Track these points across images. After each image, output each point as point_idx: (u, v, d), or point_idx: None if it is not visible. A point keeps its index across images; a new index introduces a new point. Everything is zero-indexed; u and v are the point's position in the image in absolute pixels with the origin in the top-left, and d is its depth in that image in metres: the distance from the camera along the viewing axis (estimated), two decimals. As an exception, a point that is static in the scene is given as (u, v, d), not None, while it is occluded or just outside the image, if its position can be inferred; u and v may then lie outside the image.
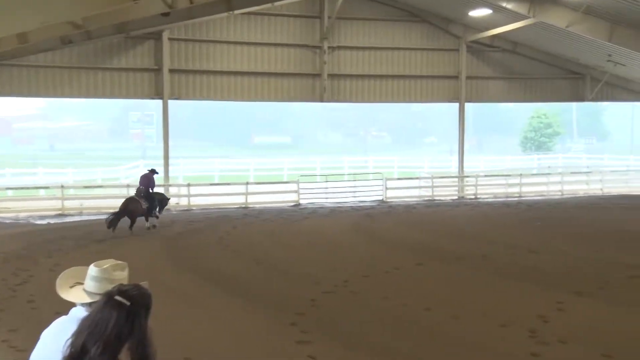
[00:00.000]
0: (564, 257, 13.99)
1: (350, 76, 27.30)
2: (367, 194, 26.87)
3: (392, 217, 21.36)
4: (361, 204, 25.15)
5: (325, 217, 21.61)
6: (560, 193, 28.66)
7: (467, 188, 28.78)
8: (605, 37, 23.33)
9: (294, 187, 25.75)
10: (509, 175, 30.08)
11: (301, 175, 27.76)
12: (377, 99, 28.43)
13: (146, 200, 18.06)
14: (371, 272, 12.50)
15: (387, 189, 26.78)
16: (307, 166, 42.32)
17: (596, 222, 19.62)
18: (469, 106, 34.23)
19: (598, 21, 22.99)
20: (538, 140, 66.77)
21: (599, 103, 62.63)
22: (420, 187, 29.01)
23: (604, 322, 9.03)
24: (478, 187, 28.40)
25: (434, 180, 28.93)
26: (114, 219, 17.12)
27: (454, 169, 36.04)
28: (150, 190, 18.50)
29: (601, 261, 13.42)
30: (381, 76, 27.67)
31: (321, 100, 27.46)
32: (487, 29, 26.76)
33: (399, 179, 31.58)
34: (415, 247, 15.65)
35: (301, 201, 25.49)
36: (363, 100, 28.71)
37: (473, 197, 27.70)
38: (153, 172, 19.02)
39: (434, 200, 26.86)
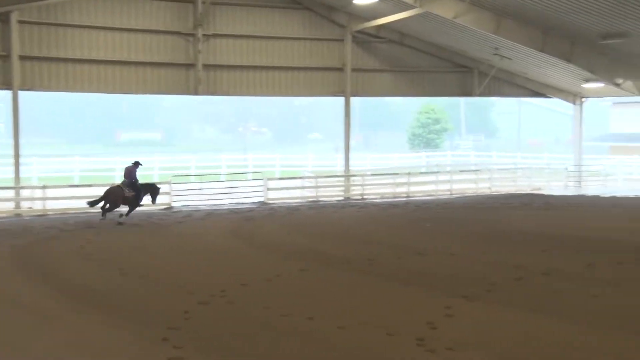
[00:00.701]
0: (452, 259, 14.53)
1: (228, 67, 27.15)
2: (247, 195, 26.83)
3: (274, 220, 21.41)
4: (240, 206, 25.06)
5: (200, 221, 21.36)
6: (449, 192, 29.79)
7: (353, 188, 29.34)
8: (491, 30, 24.50)
9: (165, 188, 25.28)
10: (396, 174, 30.93)
11: (174, 175, 27.30)
12: (257, 92, 28.43)
13: (131, 189, 20.62)
14: (251, 280, 12.46)
15: (268, 189, 26.83)
16: (180, 165, 41.72)
17: (484, 223, 20.51)
18: (355, 100, 34.96)
19: (484, 13, 24.10)
20: (426, 137, 69.04)
21: (487, 98, 65.84)
22: (303, 188, 29.26)
23: (493, 326, 9.44)
24: (365, 187, 29.03)
25: (319, 180, 29.28)
26: (94, 201, 20.14)
27: (339, 168, 36.69)
28: (134, 181, 20.72)
29: (489, 263, 14.04)
30: (261, 67, 27.70)
31: (195, 93, 27.13)
32: (373, 18, 27.41)
33: (281, 178, 31.75)
34: (299, 251, 15.75)
35: (174, 204, 25.08)
36: (241, 94, 28.61)
37: (360, 197, 28.27)
38: (136, 164, 21.04)
39: (319, 201, 27.17)
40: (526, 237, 17.44)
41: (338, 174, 32.92)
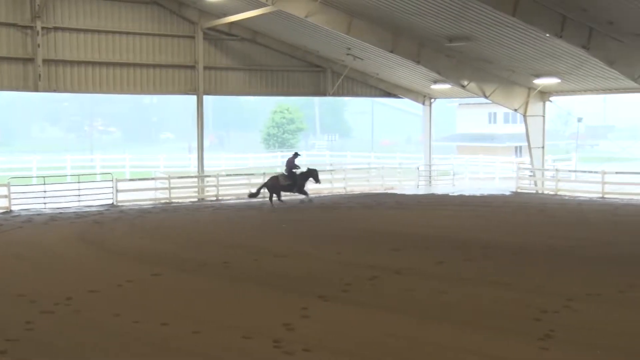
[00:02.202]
0: (308, 260, 14.76)
1: (71, 62, 26.15)
2: (95, 197, 25.93)
3: (124, 224, 20.85)
4: (88, 209, 24.20)
5: (43, 226, 20.43)
6: (304, 192, 30.16)
7: (207, 189, 29.08)
8: (343, 30, 25.08)
9: (3, 191, 23.96)
10: (252, 175, 30.95)
11: (12, 178, 25.95)
12: (103, 90, 27.58)
13: (288, 179, 24.92)
14: (100, 287, 12.08)
15: (117, 191, 26.08)
16: (20, 166, 39.80)
17: (339, 223, 21.00)
18: (208, 99, 34.68)
19: (336, 13, 24.63)
20: (281, 136, 69.64)
21: (341, 98, 67.31)
22: (156, 189, 28.69)
23: (349, 327, 9.68)
24: (220, 188, 28.85)
25: (171, 180, 28.79)
26: (255, 193, 25.26)
27: (193, 168, 36.26)
28: (293, 170, 24.98)
29: (344, 263, 14.38)
30: (107, 63, 26.89)
31: (35, 89, 25.87)
32: (225, 15, 27.30)
33: (131, 179, 30.92)
34: (151, 256, 15.45)
35: (13, 207, 23.85)
36: (86, 91, 27.60)
37: (214, 198, 28.07)
38: (295, 155, 25.83)
39: (172, 203, 26.74)
40: (379, 236, 17.99)
41: (191, 174, 32.52)
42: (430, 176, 34.76)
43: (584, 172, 32.87)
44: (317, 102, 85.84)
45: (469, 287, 11.93)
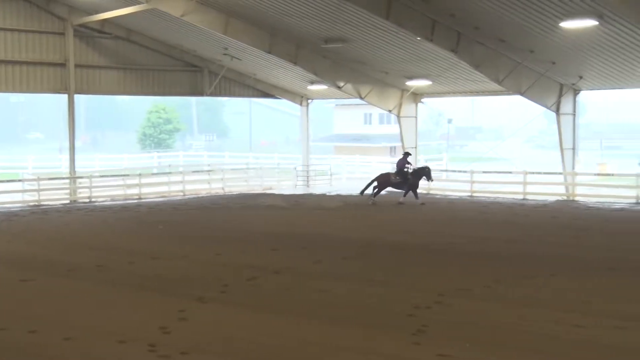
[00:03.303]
0: (185, 261, 14.54)
1: None
2: (-44, 201, 24.54)
3: (-11, 228, 19.85)
4: (-52, 214, 22.85)
5: None
6: (182, 193, 29.75)
7: (80, 191, 28.13)
8: (220, 30, 24.89)
9: None
10: (127, 176, 30.20)
11: None
12: (-35, 87, 26.12)
13: (399, 176, 25.17)
14: (-38, 296, 11.43)
15: (-18, 194, 24.79)
16: None
17: (217, 223, 20.83)
18: (80, 98, 33.49)
19: (213, 12, 24.40)
20: (157, 137, 68.33)
21: (219, 98, 66.79)
22: (24, 191, 27.50)
23: (227, 328, 9.60)
24: (93, 190, 27.96)
25: (41, 182, 27.65)
26: (364, 189, 25.35)
27: (64, 169, 34.97)
28: (404, 170, 25.22)
29: (222, 264, 14.27)
30: (-30, 59, 25.50)
31: None
32: (97, 12, 26.48)
33: (-3, 182, 29.45)
34: (18, 261, 14.77)
35: None
36: (-55, 88, 26.06)
37: (87, 200, 27.19)
38: (406, 154, 26.09)
39: (41, 205, 25.69)
40: (258, 236, 17.97)
41: (63, 175, 31.33)
42: (308, 176, 35.06)
43: (454, 171, 34.09)
44: (194, 102, 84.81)
45: (346, 285, 12.10)
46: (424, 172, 25.78)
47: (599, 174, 34.25)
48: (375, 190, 25.43)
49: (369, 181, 25.80)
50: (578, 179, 29.23)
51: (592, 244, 16.77)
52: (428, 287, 11.91)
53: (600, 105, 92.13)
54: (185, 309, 10.40)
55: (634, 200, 26.39)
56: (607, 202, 26.20)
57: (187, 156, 54.86)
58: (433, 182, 27.23)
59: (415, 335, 9.08)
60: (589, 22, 19.34)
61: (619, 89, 29.49)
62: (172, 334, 9.19)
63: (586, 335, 9.04)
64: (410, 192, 25.31)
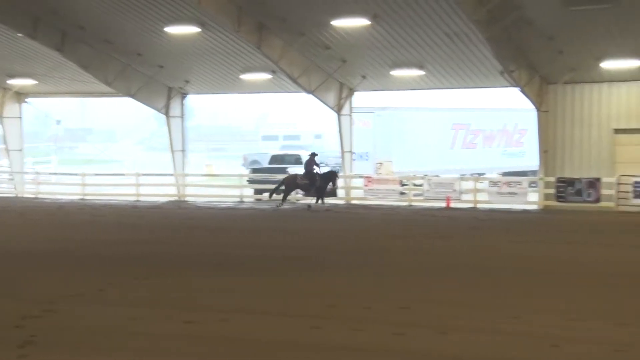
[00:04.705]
0: None
1: None
2: None
3: None
4: None
5: None
6: None
7: None
8: None
9: None
10: None
11: None
12: None
13: (306, 178, 24.65)
14: None
15: None
16: None
17: None
18: None
19: None
20: None
21: None
22: None
23: None
24: None
25: None
26: (272, 190, 25.84)
27: None
28: (311, 170, 24.81)
29: None
30: None
31: None
32: None
33: None
34: None
35: None
36: None
37: None
38: (313, 155, 25.87)
39: None
40: None
41: None
42: None
43: (64, 174, 33.03)
44: None
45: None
46: (332, 176, 25.23)
47: (206, 175, 36.05)
48: (283, 194, 25.07)
49: (277, 184, 25.45)
50: (188, 179, 30.42)
51: (200, 241, 17.59)
52: (37, 295, 11.36)
53: (208, 108, 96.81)
54: None
55: (238, 199, 28.31)
56: (215, 202, 27.67)
57: None
58: (337, 188, 26.43)
59: (22, 347, 8.61)
60: (192, 29, 20.26)
61: (223, 93, 31.43)
62: None
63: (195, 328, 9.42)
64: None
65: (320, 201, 24.91)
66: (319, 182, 24.71)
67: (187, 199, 28.53)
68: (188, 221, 21.78)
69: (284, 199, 25.57)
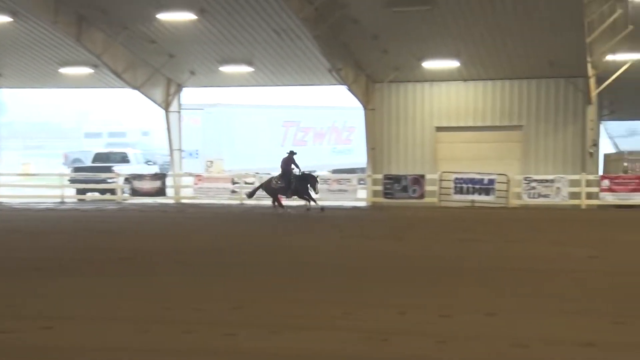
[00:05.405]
0: None
1: None
2: None
3: None
4: None
5: None
6: None
7: None
8: None
9: None
10: None
11: None
12: None
13: (281, 181, 23.20)
14: None
15: None
16: None
17: None
18: None
19: None
20: None
21: None
22: None
23: None
24: None
25: None
26: (252, 192, 24.66)
27: None
28: (287, 171, 23.25)
29: None
30: None
31: None
32: None
33: None
34: None
35: None
36: None
37: None
38: (292, 153, 23.80)
39: None
40: None
41: None
42: None
43: None
44: None
45: None
46: (312, 180, 23.73)
47: (23, 174, 34.19)
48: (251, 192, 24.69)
49: (256, 186, 24.95)
50: (2, 179, 28.69)
51: (20, 245, 16.63)
52: None
53: (24, 104, 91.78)
54: None
55: (59, 200, 27.04)
56: (33, 203, 26.27)
57: None
58: (317, 193, 24.07)
59: None
60: (2, 18, 19.07)
61: (39, 88, 29.91)
62: None
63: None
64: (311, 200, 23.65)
65: (312, 202, 23.84)
66: (295, 184, 23.42)
67: (1, 200, 26.86)
68: (3, 224, 20.51)
69: (273, 202, 24.29)
